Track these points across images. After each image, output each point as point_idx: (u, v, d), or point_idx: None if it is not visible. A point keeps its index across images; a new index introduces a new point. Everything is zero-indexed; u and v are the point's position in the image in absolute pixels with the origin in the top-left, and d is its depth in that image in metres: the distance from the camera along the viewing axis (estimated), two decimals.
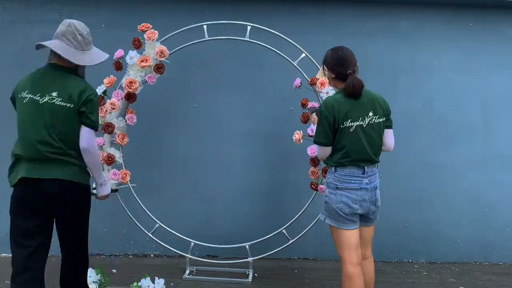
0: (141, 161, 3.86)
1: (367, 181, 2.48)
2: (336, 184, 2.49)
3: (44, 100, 2.20)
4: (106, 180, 2.49)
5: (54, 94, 2.20)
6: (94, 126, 2.30)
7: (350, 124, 2.43)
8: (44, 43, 2.26)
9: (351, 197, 2.46)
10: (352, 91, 2.43)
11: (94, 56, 2.35)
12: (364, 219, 2.57)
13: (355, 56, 2.54)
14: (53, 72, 2.27)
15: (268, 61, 3.85)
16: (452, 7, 4.02)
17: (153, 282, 3.24)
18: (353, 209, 2.46)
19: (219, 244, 3.74)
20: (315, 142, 2.55)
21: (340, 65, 2.50)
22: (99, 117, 2.54)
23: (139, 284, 3.23)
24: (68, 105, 2.21)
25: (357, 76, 2.49)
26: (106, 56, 2.43)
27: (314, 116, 2.89)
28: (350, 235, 2.49)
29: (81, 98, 2.23)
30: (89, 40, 2.34)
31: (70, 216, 2.31)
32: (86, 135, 2.26)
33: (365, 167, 2.47)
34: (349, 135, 2.44)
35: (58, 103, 2.20)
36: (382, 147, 2.60)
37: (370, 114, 2.46)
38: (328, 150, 2.52)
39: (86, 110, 2.24)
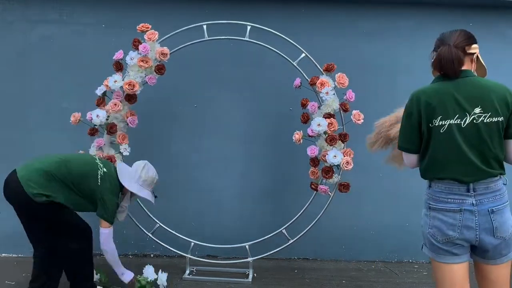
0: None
1: (474, 202, 1.92)
2: (429, 203, 2.03)
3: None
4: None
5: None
6: None
7: (440, 123, 1.91)
8: None
9: (447, 221, 1.93)
10: (440, 64, 1.90)
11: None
12: (481, 253, 1.98)
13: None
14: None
15: (268, 61, 3.85)
16: (452, 7, 4.02)
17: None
18: (449, 236, 1.93)
19: (219, 244, 3.74)
20: (398, 148, 2.10)
21: (440, 41, 1.99)
22: None
23: (144, 275, 3.20)
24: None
25: (461, 53, 1.89)
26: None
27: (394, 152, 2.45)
28: (448, 271, 1.97)
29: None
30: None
31: None
32: None
33: (471, 183, 1.90)
34: (440, 138, 1.92)
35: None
36: (505, 159, 1.97)
37: (477, 110, 1.88)
38: (413, 158, 2.06)
39: None
